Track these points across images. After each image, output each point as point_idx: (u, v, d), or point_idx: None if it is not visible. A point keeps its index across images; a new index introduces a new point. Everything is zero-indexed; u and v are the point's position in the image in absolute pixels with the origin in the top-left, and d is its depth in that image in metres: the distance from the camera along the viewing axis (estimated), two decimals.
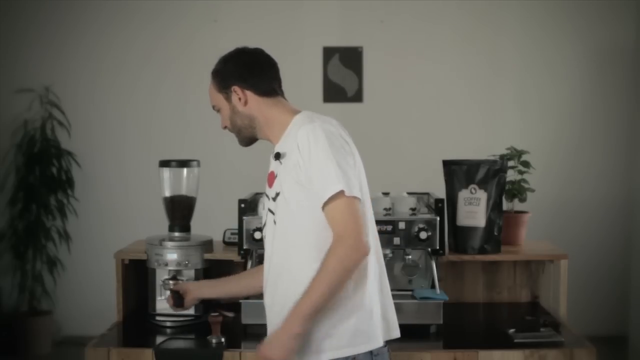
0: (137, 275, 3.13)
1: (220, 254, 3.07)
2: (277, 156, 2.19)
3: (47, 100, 5.62)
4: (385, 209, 2.93)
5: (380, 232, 2.25)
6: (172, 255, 2.92)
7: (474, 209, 3.07)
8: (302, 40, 5.63)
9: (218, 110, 2.34)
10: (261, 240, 2.80)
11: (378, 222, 2.30)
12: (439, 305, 2.83)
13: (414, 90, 5.73)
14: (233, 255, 3.00)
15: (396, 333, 2.23)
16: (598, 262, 5.62)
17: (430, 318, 2.83)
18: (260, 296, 2.34)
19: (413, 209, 2.96)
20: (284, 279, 2.17)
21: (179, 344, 2.77)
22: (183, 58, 5.68)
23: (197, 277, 2.93)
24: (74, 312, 5.65)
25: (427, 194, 3.24)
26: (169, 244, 2.94)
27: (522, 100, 5.71)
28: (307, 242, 2.10)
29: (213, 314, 2.69)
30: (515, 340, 2.72)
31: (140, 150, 5.68)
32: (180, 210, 3.05)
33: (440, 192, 3.17)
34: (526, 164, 3.36)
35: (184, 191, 3.05)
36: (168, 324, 2.96)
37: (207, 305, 2.92)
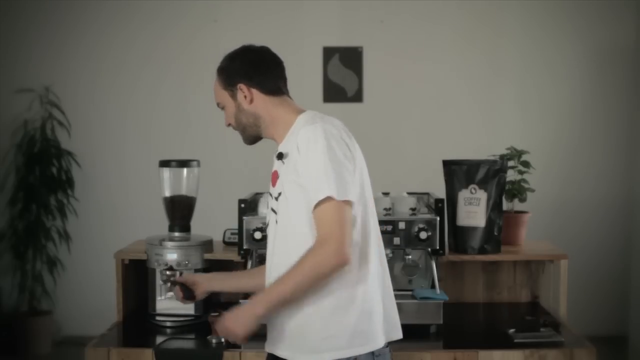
0: (137, 275, 3.13)
1: (220, 254, 3.07)
2: (280, 156, 2.19)
3: (47, 100, 5.62)
4: (385, 209, 2.93)
5: (380, 232, 2.25)
6: (172, 255, 2.92)
7: (474, 209, 3.07)
8: (302, 40, 5.63)
9: (222, 108, 2.32)
10: (261, 240, 2.82)
11: (378, 222, 2.29)
12: (439, 305, 2.83)
13: (414, 90, 5.73)
14: (233, 255, 3.00)
15: (398, 334, 2.23)
16: (598, 262, 5.61)
17: (430, 318, 2.83)
18: None
19: (413, 209, 2.96)
20: None
21: (179, 344, 2.78)
22: (183, 58, 5.68)
23: None
24: (74, 312, 5.65)
25: (427, 194, 3.24)
26: (169, 244, 2.94)
27: (522, 100, 5.71)
28: (307, 242, 2.10)
29: (213, 314, 2.69)
30: (515, 340, 2.72)
31: (140, 150, 5.68)
32: (180, 210, 3.05)
33: (440, 192, 3.17)
34: (526, 164, 3.36)
35: (184, 191, 3.05)
36: (168, 324, 2.96)
37: (207, 305, 2.93)
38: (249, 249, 2.89)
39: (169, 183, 3.05)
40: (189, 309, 2.95)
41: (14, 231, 5.50)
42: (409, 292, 2.91)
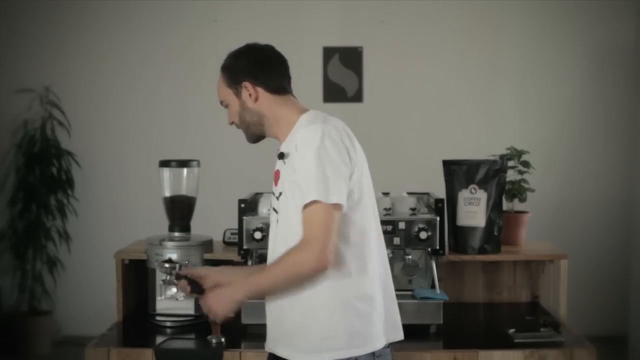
0: (137, 275, 3.14)
1: (220, 254, 3.07)
2: (281, 156, 2.19)
3: (47, 100, 5.62)
4: (385, 209, 2.93)
5: (382, 234, 2.26)
6: (172, 256, 2.91)
7: (474, 209, 3.07)
8: (302, 40, 5.63)
9: (226, 106, 2.31)
10: (261, 240, 2.82)
11: None
12: (439, 305, 2.83)
13: (414, 90, 5.73)
14: (233, 255, 3.00)
15: (399, 336, 2.23)
16: (598, 262, 5.61)
17: (430, 318, 2.83)
18: None
19: (413, 209, 2.96)
20: None
21: (179, 344, 2.77)
22: (183, 58, 5.68)
23: None
24: (74, 312, 5.65)
25: (427, 194, 3.24)
26: (169, 244, 2.94)
27: (522, 100, 5.71)
28: None
29: None
30: (515, 340, 2.72)
31: (140, 150, 5.68)
32: (180, 210, 3.05)
33: (440, 192, 3.17)
34: (526, 164, 3.36)
35: (184, 191, 3.05)
36: (168, 324, 2.96)
37: None
38: (249, 249, 2.89)
39: (169, 183, 3.05)
40: (189, 309, 2.95)
41: (14, 231, 5.50)
42: (409, 292, 2.91)
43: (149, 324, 2.98)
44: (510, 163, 3.30)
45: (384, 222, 2.81)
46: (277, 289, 2.13)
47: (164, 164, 3.05)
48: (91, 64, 5.70)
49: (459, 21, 5.70)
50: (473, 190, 3.08)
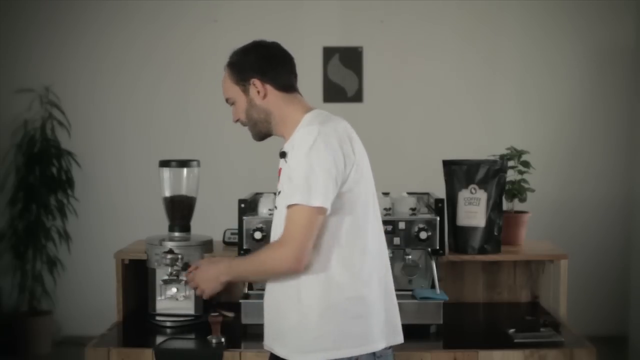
0: (137, 275, 3.13)
1: (220, 254, 3.07)
2: (282, 155, 2.20)
3: (47, 100, 5.62)
4: (385, 209, 2.93)
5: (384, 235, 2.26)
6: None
7: (474, 209, 3.07)
8: (302, 40, 5.62)
9: (232, 104, 2.31)
10: (261, 240, 2.82)
11: None
12: (439, 305, 2.83)
13: (414, 90, 5.73)
14: (233, 255, 3.00)
15: (399, 339, 2.23)
16: (598, 262, 5.62)
17: (430, 318, 2.83)
18: (260, 296, 2.34)
19: (413, 209, 2.96)
20: (282, 279, 2.17)
21: (179, 344, 2.77)
22: (183, 58, 5.68)
23: None
24: (74, 312, 5.66)
25: (427, 194, 3.24)
26: (169, 244, 2.94)
27: (522, 100, 5.71)
28: None
29: (213, 314, 2.69)
30: (515, 340, 2.72)
31: (140, 150, 5.68)
32: (180, 210, 3.05)
33: (440, 192, 3.17)
34: (526, 164, 3.36)
35: (184, 191, 3.05)
36: (168, 324, 2.96)
37: (207, 305, 2.93)
38: (249, 249, 2.89)
39: (169, 183, 3.05)
40: (189, 309, 2.95)
41: (14, 231, 5.50)
42: (409, 292, 2.91)
43: (149, 324, 2.98)
44: (510, 163, 3.30)
45: (384, 222, 2.80)
46: (253, 278, 2.40)
47: (164, 164, 3.05)
48: (91, 64, 5.70)
49: (459, 21, 5.70)
50: (473, 190, 3.08)
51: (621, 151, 5.65)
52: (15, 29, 5.66)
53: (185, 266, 2.41)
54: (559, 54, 5.68)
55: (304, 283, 2.12)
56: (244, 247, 2.89)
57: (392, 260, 2.94)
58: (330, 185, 2.07)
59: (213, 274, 2.25)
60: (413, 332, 2.49)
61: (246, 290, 2.89)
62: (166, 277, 2.89)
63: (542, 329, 2.78)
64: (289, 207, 2.08)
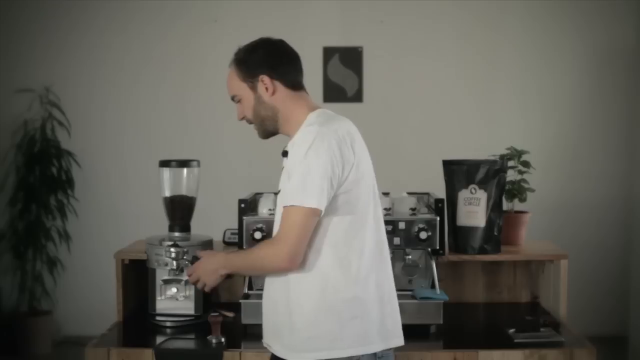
0: (137, 275, 3.13)
1: None
2: (284, 154, 2.20)
3: (47, 100, 5.62)
4: (385, 209, 2.92)
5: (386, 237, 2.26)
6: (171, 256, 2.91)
7: (474, 209, 3.07)
8: (302, 40, 5.54)
9: (238, 101, 2.29)
10: (261, 240, 2.82)
11: None
12: (439, 305, 2.83)
13: (414, 90, 5.73)
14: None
15: (398, 341, 2.23)
16: (598, 262, 5.61)
17: (430, 318, 2.83)
18: (260, 296, 2.34)
19: (413, 209, 2.96)
20: (279, 277, 2.18)
21: (179, 344, 2.77)
22: (183, 58, 5.68)
23: None
24: (74, 312, 5.65)
25: (427, 194, 3.24)
26: (169, 244, 2.94)
27: (522, 100, 5.71)
28: None
29: (213, 314, 2.69)
30: (515, 340, 2.72)
31: (140, 150, 5.67)
32: (180, 210, 3.05)
33: (440, 192, 3.17)
34: (526, 164, 3.36)
35: (184, 191, 3.05)
36: (168, 324, 2.96)
37: (207, 305, 2.93)
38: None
39: (169, 183, 3.05)
40: (189, 309, 2.95)
41: (14, 231, 5.50)
42: (409, 292, 2.91)
43: (149, 324, 2.98)
44: (510, 163, 3.30)
45: (384, 222, 2.81)
46: (248, 273, 2.55)
47: (164, 164, 3.05)
48: (91, 64, 5.70)
49: (459, 21, 5.69)
50: (473, 190, 3.08)
51: (621, 151, 5.65)
52: (15, 29, 5.66)
53: (194, 259, 2.41)
54: (559, 54, 5.68)
55: (300, 283, 2.12)
56: (244, 247, 2.88)
57: (392, 260, 2.93)
58: (325, 186, 2.06)
59: (213, 267, 2.29)
60: (413, 332, 2.49)
61: (246, 290, 2.89)
62: (166, 277, 2.89)
63: (542, 329, 2.78)
64: (284, 206, 2.09)
